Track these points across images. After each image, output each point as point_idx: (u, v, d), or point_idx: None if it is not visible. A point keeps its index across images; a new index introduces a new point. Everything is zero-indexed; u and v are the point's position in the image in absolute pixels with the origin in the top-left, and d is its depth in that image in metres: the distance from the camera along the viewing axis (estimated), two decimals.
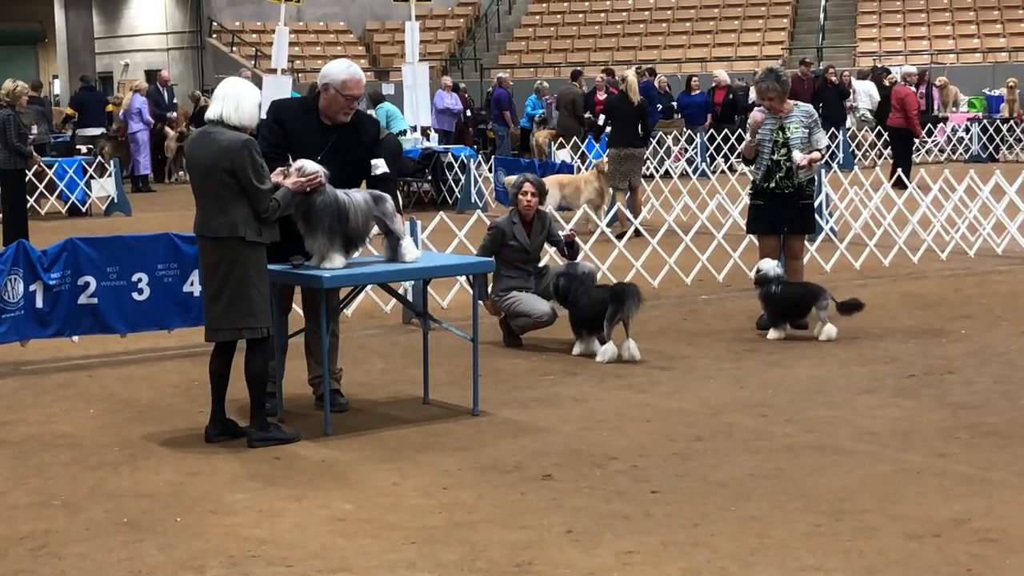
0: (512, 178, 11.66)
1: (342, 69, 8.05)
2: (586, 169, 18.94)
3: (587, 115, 25.69)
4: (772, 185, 10.52)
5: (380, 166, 8.17)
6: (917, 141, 25.93)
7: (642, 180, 17.72)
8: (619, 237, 14.03)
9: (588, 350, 9.79)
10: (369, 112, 17.10)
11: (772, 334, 10.31)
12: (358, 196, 7.76)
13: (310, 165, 7.52)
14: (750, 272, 12.28)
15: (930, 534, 5.82)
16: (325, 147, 7.93)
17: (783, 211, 10.55)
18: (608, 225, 15.12)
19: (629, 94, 16.90)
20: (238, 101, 7.36)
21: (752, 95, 25.34)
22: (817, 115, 10.83)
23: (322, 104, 8.07)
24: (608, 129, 17.62)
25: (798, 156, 10.37)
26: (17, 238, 10.34)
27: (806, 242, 11.28)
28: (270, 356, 7.84)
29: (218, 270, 7.36)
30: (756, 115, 10.59)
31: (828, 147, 11.15)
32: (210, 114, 7.43)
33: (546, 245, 10.60)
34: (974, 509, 6.15)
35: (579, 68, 29.05)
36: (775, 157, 10.49)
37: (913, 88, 24.13)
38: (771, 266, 10.34)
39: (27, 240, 10.13)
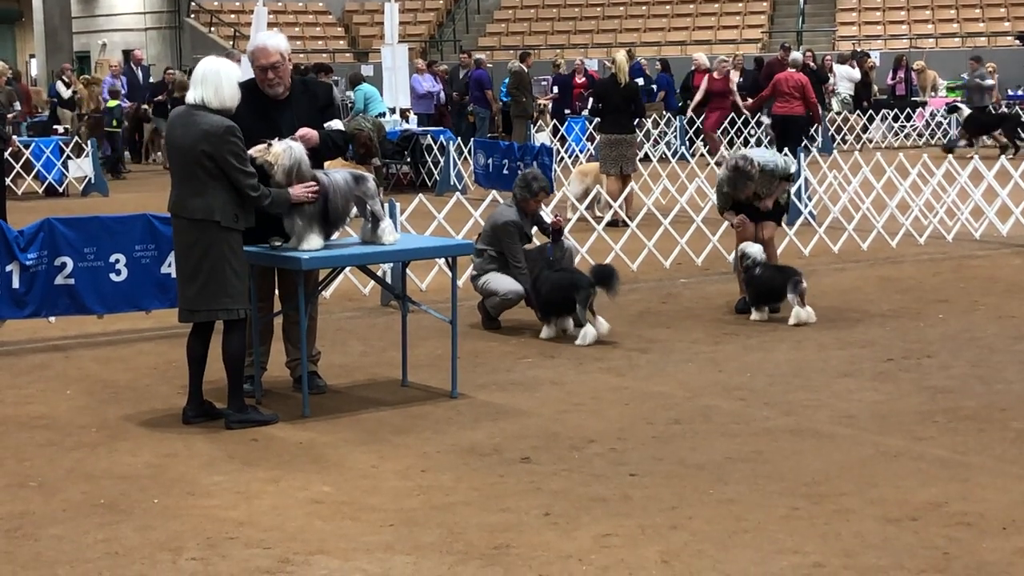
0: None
1: (253, 40, 7.97)
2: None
3: (540, 103, 25.90)
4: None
5: (333, 125, 8.08)
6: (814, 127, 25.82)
7: (638, 167, 16.89)
8: (622, 223, 14.10)
9: (557, 334, 9.78)
10: (333, 87, 16.96)
11: (754, 315, 10.41)
12: (338, 176, 7.71)
13: (289, 145, 7.46)
14: (729, 256, 12.31)
15: (907, 517, 5.84)
16: (272, 123, 7.78)
17: (756, 213, 10.88)
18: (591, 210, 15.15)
19: (618, 75, 16.21)
20: (217, 84, 7.28)
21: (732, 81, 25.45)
22: (777, 157, 10.95)
23: None
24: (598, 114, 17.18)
25: (763, 204, 10.81)
26: None
27: (784, 226, 11.36)
28: (248, 338, 7.79)
29: (193, 251, 7.31)
30: (739, 220, 10.81)
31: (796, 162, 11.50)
32: (190, 98, 7.35)
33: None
34: (951, 492, 6.18)
35: (527, 50, 29.02)
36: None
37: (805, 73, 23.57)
38: (757, 251, 10.42)
39: (4, 220, 10.07)
